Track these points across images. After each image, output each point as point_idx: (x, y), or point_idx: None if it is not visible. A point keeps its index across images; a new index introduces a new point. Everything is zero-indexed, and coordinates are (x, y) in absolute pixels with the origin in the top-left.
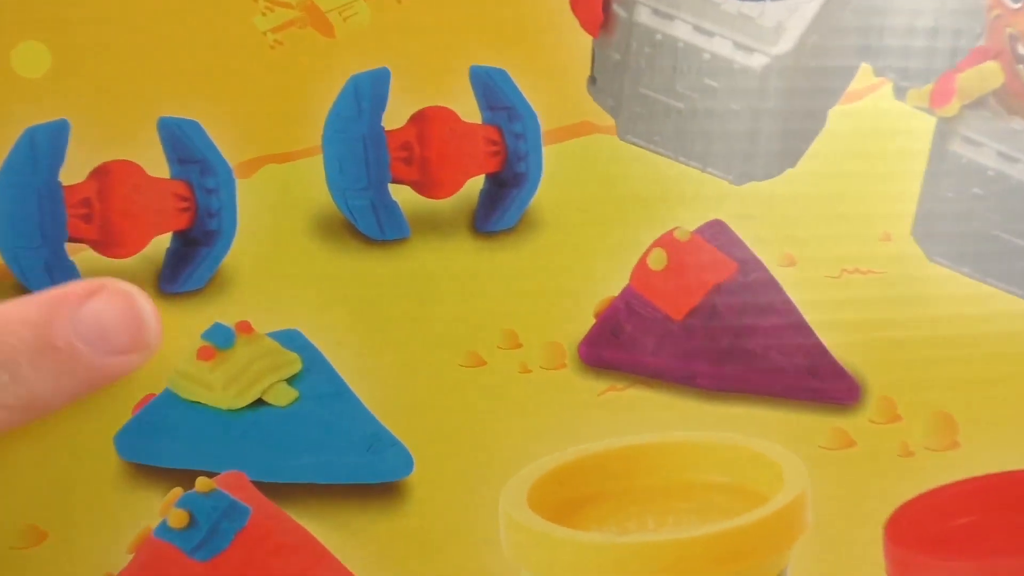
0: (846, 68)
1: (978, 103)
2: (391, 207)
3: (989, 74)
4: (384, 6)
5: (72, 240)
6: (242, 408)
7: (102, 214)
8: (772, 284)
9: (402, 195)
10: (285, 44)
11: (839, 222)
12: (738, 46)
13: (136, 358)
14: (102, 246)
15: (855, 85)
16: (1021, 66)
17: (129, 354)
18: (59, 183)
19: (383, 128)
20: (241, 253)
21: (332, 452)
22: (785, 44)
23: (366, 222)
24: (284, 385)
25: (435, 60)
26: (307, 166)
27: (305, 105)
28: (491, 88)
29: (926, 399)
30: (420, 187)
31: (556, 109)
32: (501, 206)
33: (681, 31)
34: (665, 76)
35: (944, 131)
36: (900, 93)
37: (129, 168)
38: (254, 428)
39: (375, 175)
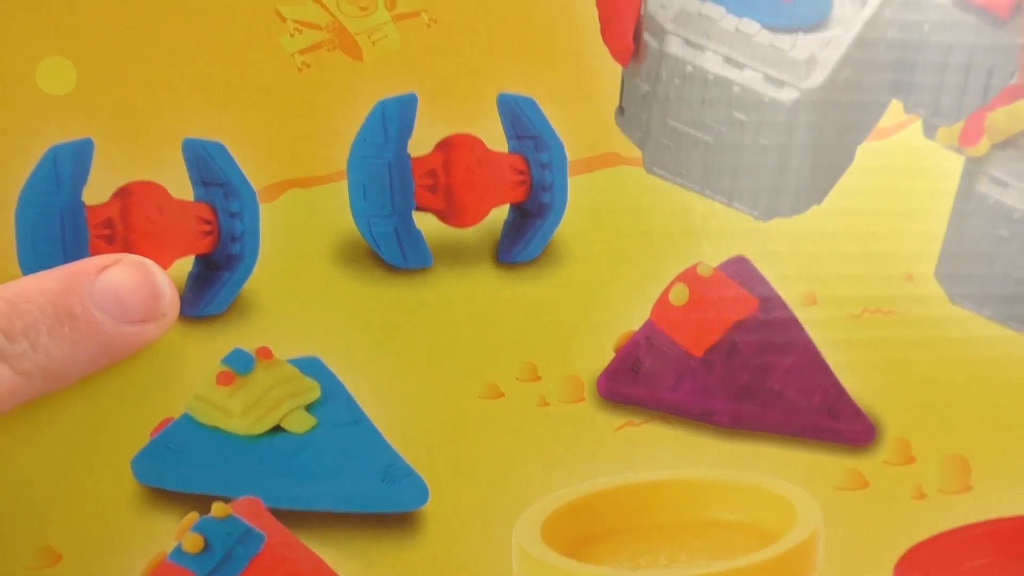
0: (877, 104)
1: (1008, 143)
2: (415, 235)
3: (1021, 114)
4: (413, 30)
5: None
6: (260, 434)
7: (124, 236)
8: (793, 323)
9: (426, 223)
10: (313, 66)
11: (863, 261)
12: (768, 79)
13: (152, 327)
14: None
15: (885, 121)
16: None
17: (146, 323)
18: (82, 203)
19: (409, 155)
20: (263, 278)
21: (348, 480)
22: (816, 78)
23: (389, 250)
24: (302, 412)
25: (463, 86)
26: (332, 191)
27: (332, 129)
28: (519, 116)
29: (941, 442)
30: (444, 215)
31: (583, 139)
32: (525, 237)
33: (712, 63)
34: (694, 108)
35: (972, 171)
36: (930, 130)
37: (153, 189)
38: (271, 454)
39: (400, 202)
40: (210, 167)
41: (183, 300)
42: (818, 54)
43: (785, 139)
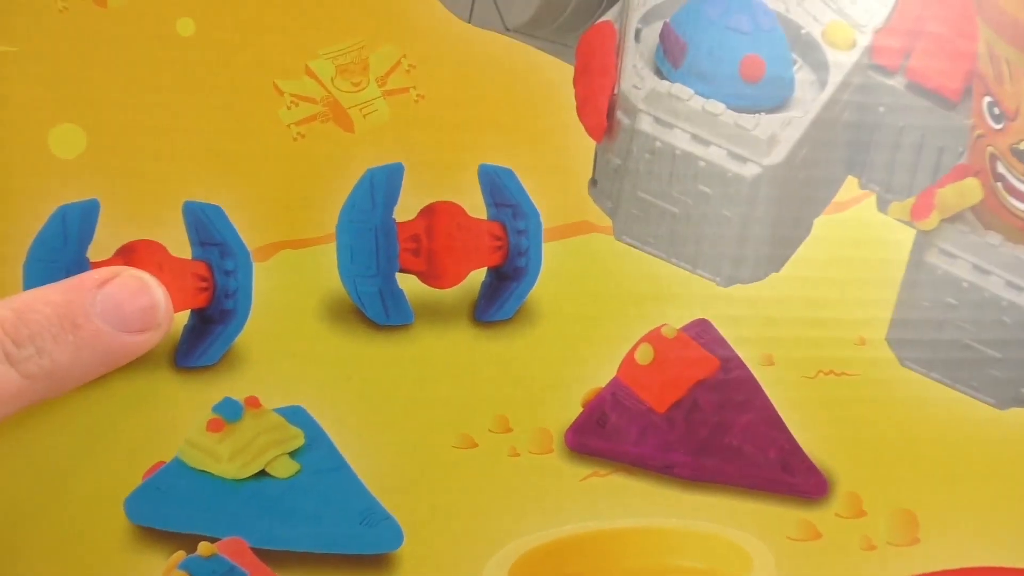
0: (833, 180)
1: (956, 218)
2: (397, 295)
3: (968, 191)
4: (402, 104)
5: None
6: (246, 478)
7: None
8: (751, 382)
9: (409, 284)
10: (307, 137)
11: (818, 326)
12: (732, 156)
13: (150, 336)
14: None
15: (841, 196)
16: (999, 184)
17: (144, 332)
18: (87, 260)
19: (394, 220)
20: (254, 332)
21: (328, 523)
22: (777, 155)
23: (373, 308)
24: (287, 458)
25: (447, 157)
26: (321, 252)
27: (323, 194)
28: (498, 186)
29: (891, 496)
30: (426, 277)
31: (558, 208)
32: (500, 298)
33: (680, 140)
34: (662, 181)
35: (922, 243)
36: (883, 205)
37: (152, 247)
38: (256, 497)
39: (384, 264)
40: (207, 228)
41: (179, 352)
42: (779, 133)
43: (747, 211)
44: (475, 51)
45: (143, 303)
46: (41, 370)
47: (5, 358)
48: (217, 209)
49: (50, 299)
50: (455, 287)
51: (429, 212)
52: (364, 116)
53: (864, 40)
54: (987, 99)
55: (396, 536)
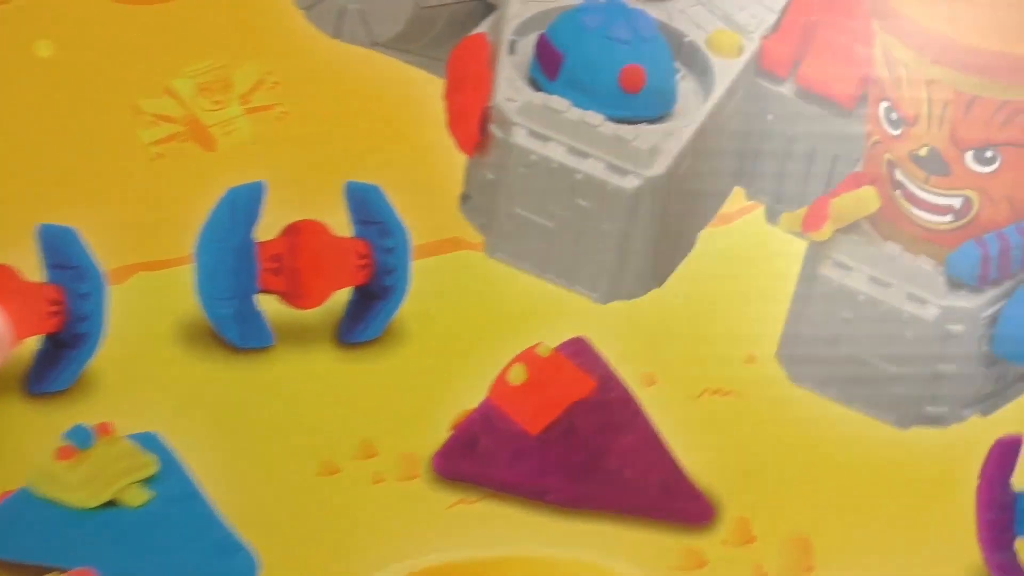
0: (719, 191)
1: (851, 228)
2: (255, 317)
3: (865, 200)
4: (266, 122)
5: None
6: (97, 507)
7: None
8: (631, 403)
9: (271, 305)
10: (166, 156)
11: (703, 343)
12: (612, 168)
13: None
14: None
15: (727, 208)
16: (898, 192)
17: None
18: None
19: (253, 239)
20: (108, 356)
21: (181, 554)
22: (659, 167)
23: (231, 330)
24: (138, 486)
25: (312, 174)
26: (179, 274)
27: (182, 215)
28: (364, 203)
29: (783, 522)
30: (288, 297)
31: (427, 225)
32: (366, 318)
33: (556, 152)
34: (537, 196)
35: (815, 255)
36: (773, 216)
37: (2, 270)
38: (107, 527)
39: (243, 285)
40: (61, 251)
41: (30, 378)
42: (661, 144)
43: (627, 225)
44: (341, 67)
45: None
46: None
47: None
48: (71, 231)
49: None
50: (319, 308)
51: (292, 231)
52: (226, 134)
53: (752, 47)
54: (884, 105)
55: (250, 568)
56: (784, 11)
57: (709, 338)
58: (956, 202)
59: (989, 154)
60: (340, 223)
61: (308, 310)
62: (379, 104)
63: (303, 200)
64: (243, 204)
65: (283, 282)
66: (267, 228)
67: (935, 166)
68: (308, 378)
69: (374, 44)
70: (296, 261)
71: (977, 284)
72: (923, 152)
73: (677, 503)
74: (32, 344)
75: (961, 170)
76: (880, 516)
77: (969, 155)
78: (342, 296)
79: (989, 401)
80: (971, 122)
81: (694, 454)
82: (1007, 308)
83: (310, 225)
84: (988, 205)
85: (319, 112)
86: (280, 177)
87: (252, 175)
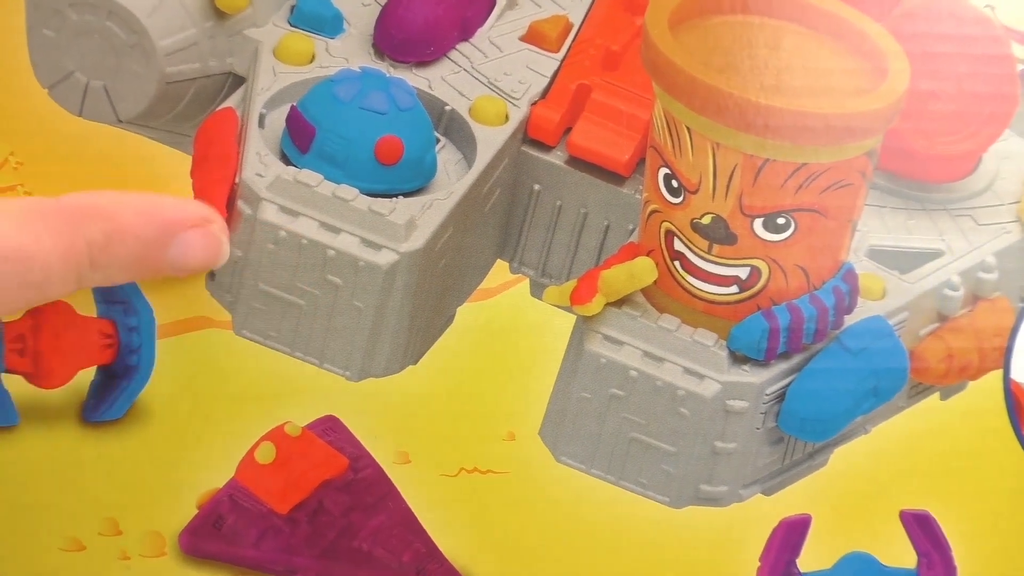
0: (480, 265)
1: (624, 300)
2: (1, 396)
3: (640, 272)
4: None
5: None
6: None
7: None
8: (384, 482)
9: (14, 384)
10: None
11: (460, 420)
12: (365, 243)
13: None
14: None
15: (488, 283)
16: (676, 262)
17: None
18: None
19: None
20: None
21: None
22: (416, 241)
23: None
24: None
25: None
26: None
27: None
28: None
29: None
30: (32, 377)
31: (173, 304)
32: (110, 396)
33: (306, 228)
34: (287, 272)
35: (583, 329)
36: (537, 290)
37: (58, 306)
38: None
39: None
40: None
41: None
42: (418, 217)
43: (381, 301)
44: (85, 145)
45: (207, 263)
46: (97, 284)
47: (77, 280)
48: None
49: (141, 234)
50: (63, 387)
51: (35, 312)
52: None
53: (518, 114)
54: (663, 171)
55: None
56: (555, 75)
57: (467, 415)
58: (742, 272)
59: (781, 221)
60: (84, 303)
61: (52, 389)
62: (124, 181)
63: None
64: None
65: (27, 363)
66: None
67: (720, 235)
68: (53, 456)
69: (119, 121)
70: (39, 342)
71: (763, 358)
72: (706, 220)
73: None
74: (88, 376)
75: (749, 239)
76: None
77: (758, 222)
78: (87, 376)
79: (773, 480)
80: (761, 188)
81: (450, 534)
82: (797, 383)
83: (53, 306)
84: (778, 275)
85: (64, 191)
86: None
87: None
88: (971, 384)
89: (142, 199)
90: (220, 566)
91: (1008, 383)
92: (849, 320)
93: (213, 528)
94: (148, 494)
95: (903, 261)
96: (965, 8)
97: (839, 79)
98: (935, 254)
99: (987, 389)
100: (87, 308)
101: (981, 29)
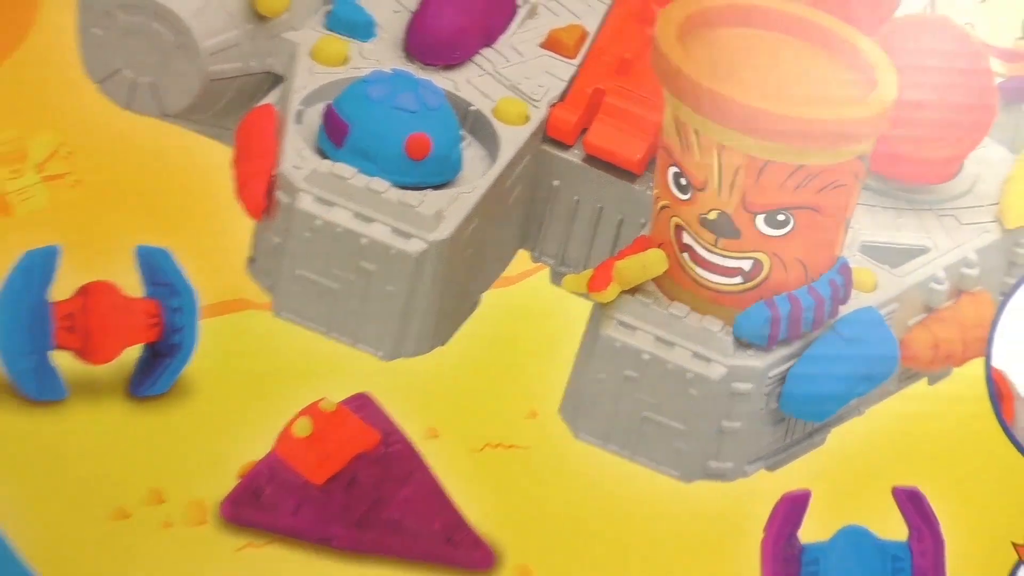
0: (503, 254)
1: (638, 289)
2: (51, 371)
3: (652, 262)
4: (60, 189)
5: None
6: None
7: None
8: (413, 456)
9: (64, 360)
10: None
11: (485, 399)
12: (396, 232)
13: None
14: None
15: (511, 270)
16: (685, 254)
17: None
18: (47, 301)
19: (48, 300)
20: None
21: None
22: (443, 231)
23: (27, 384)
24: None
25: (104, 239)
26: None
27: None
28: (153, 266)
29: (563, 569)
30: (81, 354)
31: (215, 286)
32: (155, 373)
33: (341, 217)
34: (322, 259)
35: (599, 315)
36: (556, 278)
37: (107, 287)
38: None
39: (38, 342)
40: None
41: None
42: (445, 209)
43: (410, 287)
44: (132, 136)
45: None
46: None
47: None
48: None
49: None
50: (110, 363)
51: (84, 291)
52: (23, 201)
53: (538, 115)
54: (673, 170)
55: None
56: (572, 79)
57: (492, 394)
58: (746, 264)
59: (781, 217)
60: (132, 284)
61: (100, 365)
62: (169, 172)
63: (95, 263)
64: (38, 266)
65: (76, 339)
66: (62, 289)
67: (725, 230)
68: (100, 429)
69: (164, 115)
70: (88, 320)
71: (765, 344)
72: (712, 216)
73: (459, 551)
74: (134, 353)
75: (752, 233)
76: (662, 567)
77: (760, 219)
78: (133, 353)
79: (776, 457)
80: (763, 187)
81: (476, 504)
82: (796, 367)
83: (101, 286)
84: (779, 267)
85: (111, 179)
86: (74, 241)
87: (47, 239)
88: (955, 370)
89: None
90: (259, 534)
91: (989, 370)
92: (844, 310)
93: (253, 498)
94: (191, 465)
95: (893, 256)
96: (947, 25)
97: (834, 88)
98: (922, 250)
99: (970, 375)
100: (134, 289)
101: (962, 45)
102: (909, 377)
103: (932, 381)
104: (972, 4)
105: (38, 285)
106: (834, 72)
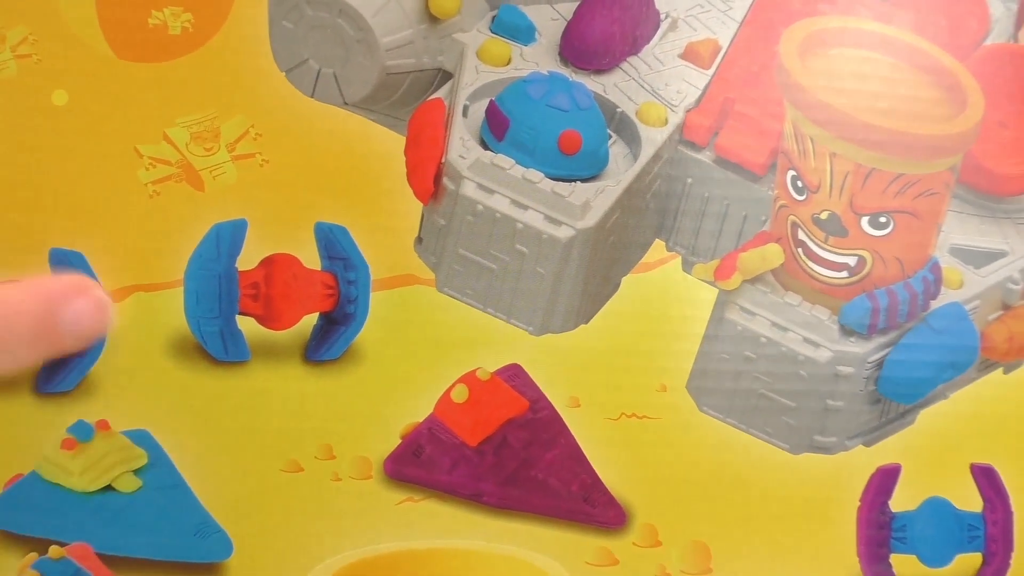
0: (642, 243)
1: (757, 279)
2: (236, 335)
3: (770, 255)
4: (248, 168)
5: None
6: (94, 491)
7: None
8: (558, 422)
9: (248, 325)
10: (162, 194)
11: (622, 373)
12: (548, 219)
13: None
14: None
15: (649, 257)
16: (800, 249)
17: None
18: (236, 269)
19: (236, 269)
20: (107, 363)
21: (165, 534)
22: (590, 220)
23: (214, 345)
24: (131, 475)
25: (287, 214)
26: (170, 295)
27: (174, 245)
28: (331, 241)
29: (686, 529)
30: (263, 320)
31: (386, 262)
32: (329, 340)
33: (500, 204)
34: (482, 241)
35: (724, 301)
36: (688, 266)
37: (289, 260)
38: (102, 509)
39: (225, 307)
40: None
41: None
42: (592, 200)
43: (559, 269)
44: (316, 122)
45: (98, 326)
46: (8, 370)
47: None
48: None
49: (27, 310)
50: (289, 329)
51: (268, 263)
52: (214, 177)
53: (676, 119)
54: (791, 173)
55: (226, 547)
56: (706, 88)
57: (628, 369)
58: (851, 260)
59: (883, 220)
60: (311, 258)
61: (280, 331)
62: (348, 155)
63: (279, 237)
64: (227, 238)
65: (259, 306)
66: (247, 260)
67: (834, 228)
68: (278, 389)
69: (345, 104)
70: (271, 289)
71: (866, 332)
72: (824, 216)
73: (595, 509)
74: (311, 320)
75: (857, 233)
76: (772, 528)
77: (865, 220)
78: (310, 320)
79: (872, 434)
80: (868, 191)
81: (611, 468)
82: (892, 354)
83: (284, 258)
84: (880, 264)
85: (295, 161)
86: (260, 216)
87: (236, 213)
88: None
89: (18, 283)
90: (417, 489)
91: None
92: (934, 304)
93: (413, 456)
94: (359, 425)
95: (976, 258)
96: None
97: (931, 107)
98: (1001, 254)
99: None
100: (313, 262)
101: None
102: (988, 366)
103: (1007, 370)
104: None
105: (227, 255)
106: (931, 92)
